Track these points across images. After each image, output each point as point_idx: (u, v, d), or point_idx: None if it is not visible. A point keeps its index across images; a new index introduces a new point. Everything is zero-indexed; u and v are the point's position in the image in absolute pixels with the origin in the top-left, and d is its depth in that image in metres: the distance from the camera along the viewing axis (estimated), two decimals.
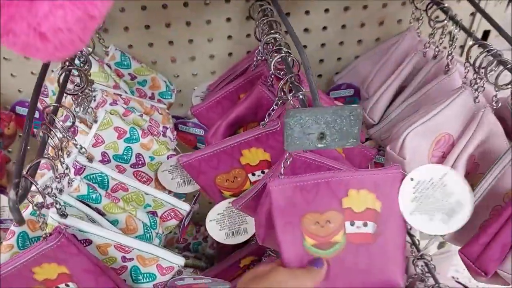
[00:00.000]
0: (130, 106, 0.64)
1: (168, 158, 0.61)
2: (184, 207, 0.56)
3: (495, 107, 0.55)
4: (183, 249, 0.98)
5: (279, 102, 0.55)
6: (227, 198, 0.60)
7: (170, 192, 0.62)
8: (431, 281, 0.79)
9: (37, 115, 0.72)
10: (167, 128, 0.66)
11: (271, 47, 0.58)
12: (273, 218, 0.48)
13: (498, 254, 0.47)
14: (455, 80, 0.64)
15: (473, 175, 0.58)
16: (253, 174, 0.59)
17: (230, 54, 0.76)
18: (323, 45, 0.78)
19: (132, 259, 0.48)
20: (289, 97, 0.49)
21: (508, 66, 0.51)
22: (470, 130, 0.56)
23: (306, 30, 0.76)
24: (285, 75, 0.52)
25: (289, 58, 0.54)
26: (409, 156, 0.56)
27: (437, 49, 0.67)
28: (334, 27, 0.76)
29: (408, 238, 0.84)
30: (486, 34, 0.81)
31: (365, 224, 0.48)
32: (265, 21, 0.62)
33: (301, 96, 0.44)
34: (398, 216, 0.49)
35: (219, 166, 0.58)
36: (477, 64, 0.56)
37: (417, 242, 0.78)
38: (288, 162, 0.49)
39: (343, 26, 0.76)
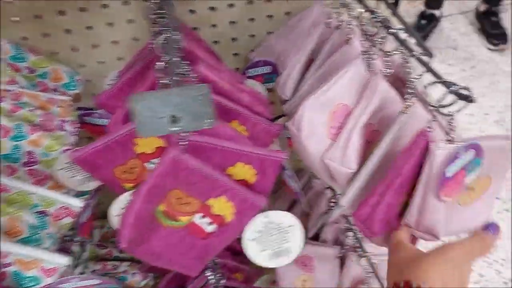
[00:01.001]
0: (20, 102, 0.60)
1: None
2: (76, 203, 0.53)
3: (386, 73, 0.54)
4: None
5: None
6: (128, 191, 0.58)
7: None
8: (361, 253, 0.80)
9: None
10: (65, 122, 0.63)
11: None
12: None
13: (382, 214, 0.47)
14: (356, 49, 0.62)
15: (375, 143, 0.57)
16: (150, 163, 0.57)
17: (135, 38, 0.73)
18: (232, 22, 0.76)
19: (10, 264, 0.46)
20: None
21: (391, 31, 0.50)
22: (363, 98, 0.54)
23: (212, 8, 0.73)
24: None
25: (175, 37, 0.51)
26: (307, 130, 0.55)
27: (339, 18, 0.65)
28: (241, 4, 0.73)
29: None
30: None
31: (210, 224, 0.50)
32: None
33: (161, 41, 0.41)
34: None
35: (114, 158, 0.56)
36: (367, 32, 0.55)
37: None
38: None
39: (250, 2, 0.74)
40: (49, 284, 0.48)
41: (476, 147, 0.46)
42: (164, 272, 0.92)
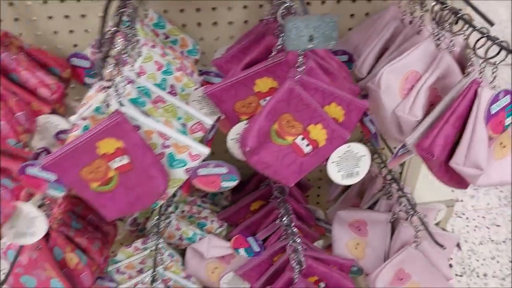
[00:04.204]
0: (165, 51, 0.80)
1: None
2: (208, 121, 0.71)
3: (451, 50, 0.71)
4: (202, 196, 1.13)
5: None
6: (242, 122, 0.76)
7: None
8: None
9: (88, 64, 0.89)
10: (194, 72, 0.83)
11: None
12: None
13: (441, 141, 0.63)
14: (423, 37, 0.80)
15: (436, 105, 0.73)
16: (264, 100, 0.74)
17: (246, 21, 0.93)
18: None
19: (169, 146, 0.64)
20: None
21: (459, 15, 0.67)
22: (431, 67, 0.71)
23: (308, 3, 0.92)
24: None
25: (292, 7, 0.70)
26: (383, 87, 0.72)
27: (413, 15, 0.83)
28: (331, 3, 0.93)
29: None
30: None
31: (307, 145, 0.69)
32: None
33: (288, 3, 0.58)
34: None
35: (236, 94, 0.74)
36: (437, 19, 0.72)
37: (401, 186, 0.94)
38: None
39: (338, 1, 0.93)
40: (192, 167, 0.65)
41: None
42: (236, 223, 1.08)
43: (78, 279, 0.95)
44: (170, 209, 1.02)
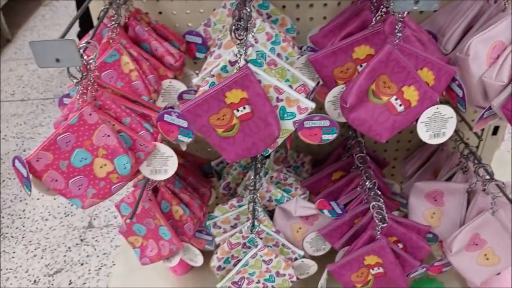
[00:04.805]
0: (271, 25, 0.92)
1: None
2: (311, 83, 0.82)
3: None
4: (286, 167, 1.24)
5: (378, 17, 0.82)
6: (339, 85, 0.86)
7: None
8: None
9: (200, 41, 1.03)
10: (294, 46, 0.94)
11: None
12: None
13: None
14: (508, 13, 0.87)
15: None
16: (361, 66, 0.84)
17: (339, 4, 1.04)
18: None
19: (282, 100, 0.76)
20: None
21: None
22: None
23: None
24: None
25: None
26: (472, 55, 0.80)
27: None
28: None
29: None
30: None
31: (400, 105, 0.79)
32: None
33: None
34: None
35: (336, 61, 0.84)
36: None
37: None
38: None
39: None
40: (299, 119, 0.76)
41: None
42: (318, 191, 1.18)
43: (182, 229, 1.09)
44: (261, 173, 1.14)
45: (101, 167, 0.74)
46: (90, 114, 0.71)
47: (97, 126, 0.72)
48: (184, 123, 0.77)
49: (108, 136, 0.72)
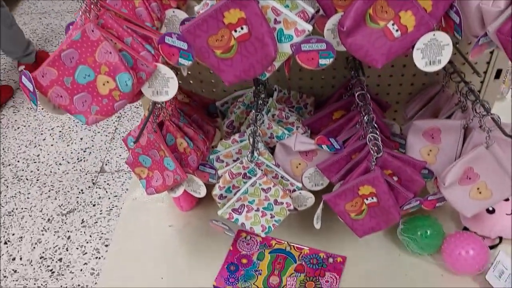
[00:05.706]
0: None
1: None
2: (310, 9, 0.83)
3: None
4: (289, 108, 1.26)
5: None
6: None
7: None
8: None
9: None
10: None
11: None
12: None
13: None
14: None
15: None
16: None
17: None
18: None
19: (280, 22, 0.77)
20: None
21: None
22: None
23: None
24: None
25: None
26: None
27: None
28: None
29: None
30: None
31: (397, 31, 0.80)
32: None
33: None
34: None
35: None
36: None
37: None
38: None
39: None
40: (296, 42, 0.78)
41: None
42: (319, 130, 1.21)
43: (187, 161, 1.14)
44: (265, 110, 1.16)
45: (103, 84, 0.77)
46: (92, 31, 0.74)
47: (99, 43, 0.75)
48: (184, 45, 0.80)
49: (110, 53, 0.75)
